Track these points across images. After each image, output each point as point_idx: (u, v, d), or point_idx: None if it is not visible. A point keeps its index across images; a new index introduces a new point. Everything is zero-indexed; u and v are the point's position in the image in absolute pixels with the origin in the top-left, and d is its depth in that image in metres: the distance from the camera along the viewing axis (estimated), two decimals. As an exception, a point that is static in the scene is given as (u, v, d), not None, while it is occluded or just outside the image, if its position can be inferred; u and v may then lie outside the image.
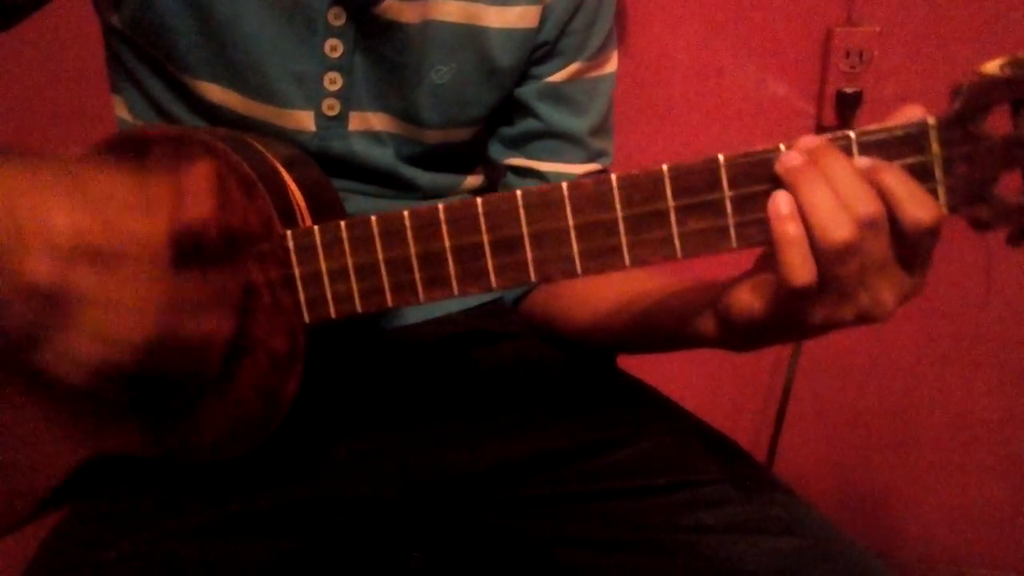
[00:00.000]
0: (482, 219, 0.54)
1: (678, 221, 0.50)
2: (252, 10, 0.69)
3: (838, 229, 0.46)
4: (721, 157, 0.49)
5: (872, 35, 1.20)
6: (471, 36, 0.75)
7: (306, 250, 0.58)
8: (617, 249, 0.52)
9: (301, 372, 0.60)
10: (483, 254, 0.55)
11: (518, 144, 0.83)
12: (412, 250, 0.56)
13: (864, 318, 0.49)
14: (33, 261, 0.47)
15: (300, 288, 0.59)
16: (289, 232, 0.58)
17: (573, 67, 0.80)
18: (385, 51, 0.73)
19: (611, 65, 0.84)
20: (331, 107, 0.74)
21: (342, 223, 0.57)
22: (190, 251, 0.55)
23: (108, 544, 0.64)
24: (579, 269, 0.53)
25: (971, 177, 0.47)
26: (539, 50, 0.78)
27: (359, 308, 0.58)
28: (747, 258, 0.54)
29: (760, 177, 0.49)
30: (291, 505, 0.69)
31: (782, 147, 0.49)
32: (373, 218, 0.56)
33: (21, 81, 1.36)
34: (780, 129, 1.28)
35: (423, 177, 0.81)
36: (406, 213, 0.56)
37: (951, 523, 1.48)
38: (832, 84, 1.23)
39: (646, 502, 0.69)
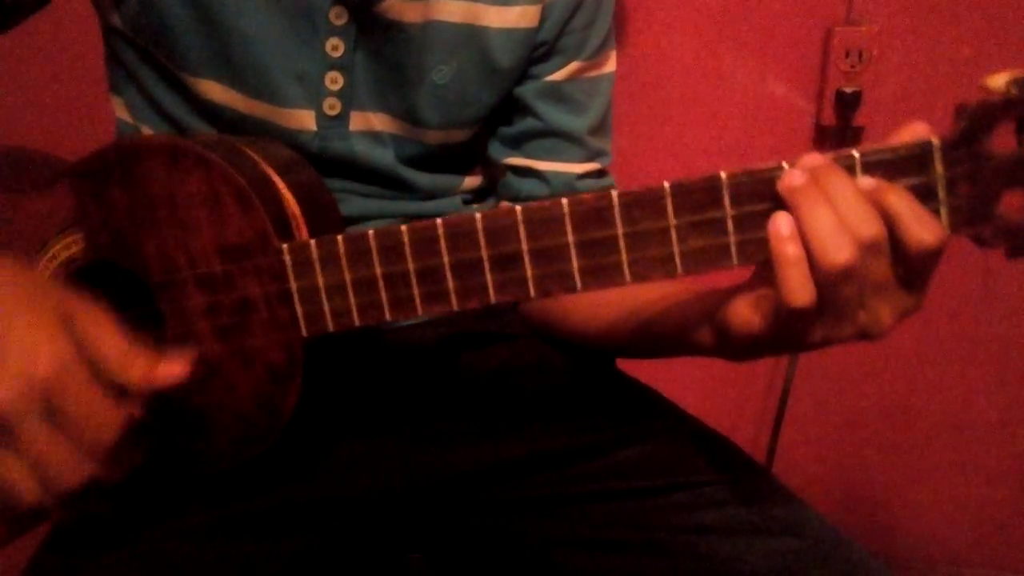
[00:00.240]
0: (481, 235, 0.54)
1: (679, 239, 0.50)
2: (254, 9, 0.69)
3: (839, 252, 0.46)
4: (723, 174, 0.49)
5: (872, 35, 1.19)
6: (472, 36, 0.74)
7: (303, 264, 0.58)
8: (617, 266, 0.52)
9: (300, 385, 0.60)
10: (482, 270, 0.54)
11: (517, 143, 0.83)
12: (411, 266, 0.56)
13: (862, 335, 0.50)
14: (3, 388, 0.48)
15: (297, 303, 0.58)
16: (286, 246, 0.58)
17: (572, 66, 0.80)
18: (386, 51, 0.73)
19: (610, 64, 0.84)
20: (332, 106, 0.73)
21: (339, 237, 0.57)
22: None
23: (109, 545, 0.65)
24: (579, 285, 0.53)
25: (974, 196, 0.47)
26: (539, 49, 0.78)
27: (357, 322, 0.58)
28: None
29: (762, 195, 0.49)
30: (291, 506, 0.70)
31: (785, 165, 0.48)
32: (371, 232, 0.56)
33: (21, 81, 1.35)
34: (780, 129, 1.28)
35: (422, 178, 0.80)
36: (404, 228, 0.55)
37: (951, 523, 1.48)
38: (832, 84, 1.22)
39: (646, 503, 0.69)
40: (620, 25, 1.23)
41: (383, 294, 0.57)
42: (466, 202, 0.86)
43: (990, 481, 1.44)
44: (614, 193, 0.51)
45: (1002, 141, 0.46)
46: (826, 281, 0.47)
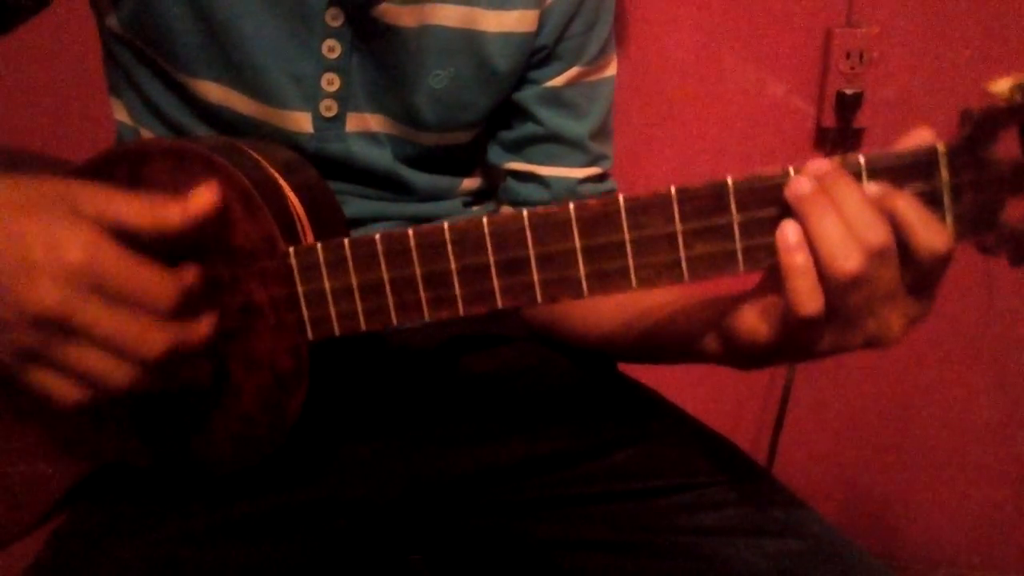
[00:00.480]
0: (488, 240, 0.54)
1: (686, 245, 0.50)
2: (251, 10, 0.69)
3: (847, 259, 0.46)
4: (729, 180, 0.49)
5: (872, 36, 1.19)
6: (469, 41, 0.74)
7: (309, 268, 0.58)
8: (624, 271, 0.51)
9: (306, 389, 0.60)
10: (489, 275, 0.54)
11: (518, 148, 0.83)
12: (417, 270, 0.55)
13: (871, 343, 0.49)
14: (42, 288, 0.47)
15: (304, 307, 0.58)
16: (292, 249, 0.58)
17: (572, 71, 0.80)
18: (382, 54, 0.73)
19: (611, 69, 0.84)
20: (329, 108, 0.73)
21: (346, 241, 0.57)
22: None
23: (110, 546, 0.65)
24: (586, 291, 0.53)
25: (978, 204, 0.47)
26: (538, 54, 0.78)
27: (363, 326, 0.58)
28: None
29: (769, 201, 0.49)
30: (292, 508, 0.70)
31: (791, 171, 0.48)
32: (377, 236, 0.56)
33: (21, 83, 1.35)
34: (780, 130, 1.28)
35: (421, 179, 0.80)
36: (411, 232, 0.55)
37: (951, 524, 1.48)
38: (832, 85, 1.22)
39: (646, 504, 0.69)
40: (620, 27, 1.23)
41: (390, 298, 0.57)
42: (466, 204, 0.86)
43: (990, 481, 1.44)
44: (621, 198, 0.51)
45: (1005, 147, 0.46)
46: (835, 289, 0.47)
